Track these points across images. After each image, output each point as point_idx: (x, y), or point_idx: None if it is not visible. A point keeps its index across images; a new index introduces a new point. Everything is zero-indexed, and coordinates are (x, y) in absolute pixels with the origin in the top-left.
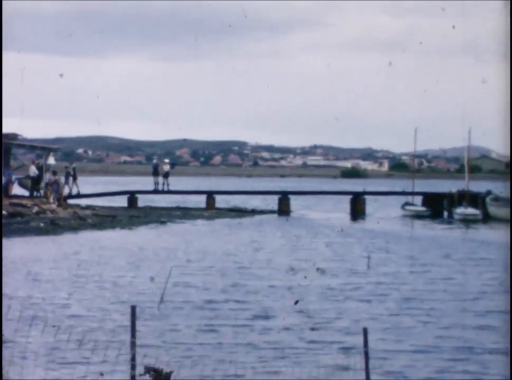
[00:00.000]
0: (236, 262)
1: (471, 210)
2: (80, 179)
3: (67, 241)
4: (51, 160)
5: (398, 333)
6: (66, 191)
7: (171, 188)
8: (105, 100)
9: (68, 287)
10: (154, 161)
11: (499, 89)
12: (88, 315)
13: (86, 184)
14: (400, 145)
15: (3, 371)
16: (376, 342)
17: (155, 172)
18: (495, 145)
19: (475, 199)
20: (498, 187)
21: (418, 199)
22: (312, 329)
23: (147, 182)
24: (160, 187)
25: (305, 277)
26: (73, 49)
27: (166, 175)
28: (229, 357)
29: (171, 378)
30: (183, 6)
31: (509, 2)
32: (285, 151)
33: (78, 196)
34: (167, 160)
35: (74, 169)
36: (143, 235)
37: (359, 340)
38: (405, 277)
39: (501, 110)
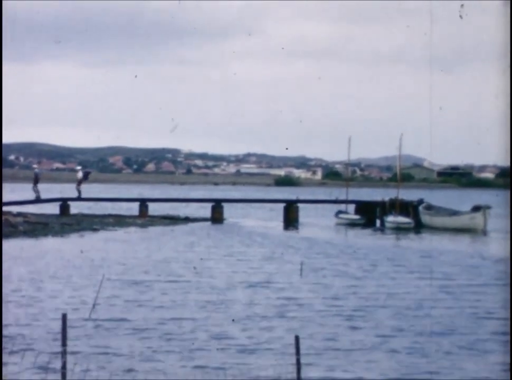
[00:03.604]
0: (158, 274)
1: (402, 219)
2: (12, 186)
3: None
4: None
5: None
6: None
7: (85, 195)
8: (37, 106)
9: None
10: (36, 169)
11: (430, 98)
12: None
13: (18, 191)
14: (334, 154)
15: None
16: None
17: (35, 181)
18: (427, 154)
19: (406, 208)
20: (429, 196)
21: (351, 208)
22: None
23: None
24: (79, 194)
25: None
26: (3, 55)
27: (79, 183)
28: None
29: None
30: (114, 11)
31: (509, 2)
32: (219, 158)
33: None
34: (79, 167)
35: None
36: (74, 243)
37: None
38: (336, 290)
39: (433, 119)
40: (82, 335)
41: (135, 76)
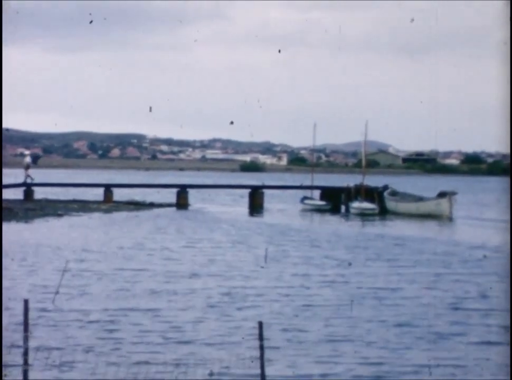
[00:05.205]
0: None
1: (367, 204)
2: None
3: None
4: None
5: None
6: None
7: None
8: None
9: None
10: None
11: (397, 85)
12: None
13: None
14: (299, 140)
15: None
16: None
17: None
18: (392, 140)
19: (371, 193)
20: (395, 182)
21: (317, 194)
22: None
23: (44, 174)
24: (28, 180)
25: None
26: None
27: (27, 167)
28: None
29: None
30: None
31: (509, 2)
32: (184, 144)
33: None
34: (27, 152)
35: None
36: (38, 228)
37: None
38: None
39: (400, 105)
40: (44, 325)
41: (100, 66)
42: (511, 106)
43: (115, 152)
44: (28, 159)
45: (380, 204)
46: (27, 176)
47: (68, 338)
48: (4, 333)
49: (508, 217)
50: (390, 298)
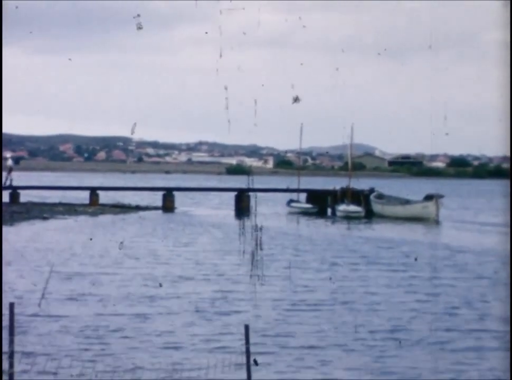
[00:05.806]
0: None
1: (353, 207)
2: None
3: None
4: None
5: None
6: None
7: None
8: None
9: None
10: None
11: (384, 87)
12: None
13: None
14: (285, 143)
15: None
16: None
17: None
18: (379, 143)
19: (357, 196)
20: (381, 184)
21: (303, 197)
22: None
23: (30, 177)
24: (7, 183)
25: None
26: None
27: (10, 170)
28: None
29: None
30: None
31: (509, 2)
32: (170, 147)
33: None
34: (9, 155)
35: None
36: (23, 232)
37: None
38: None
39: (387, 108)
40: (29, 330)
41: (69, 59)
42: (511, 108)
43: (101, 155)
44: (10, 162)
45: (366, 207)
46: (10, 179)
47: (53, 343)
48: None
49: (499, 221)
50: (375, 303)
